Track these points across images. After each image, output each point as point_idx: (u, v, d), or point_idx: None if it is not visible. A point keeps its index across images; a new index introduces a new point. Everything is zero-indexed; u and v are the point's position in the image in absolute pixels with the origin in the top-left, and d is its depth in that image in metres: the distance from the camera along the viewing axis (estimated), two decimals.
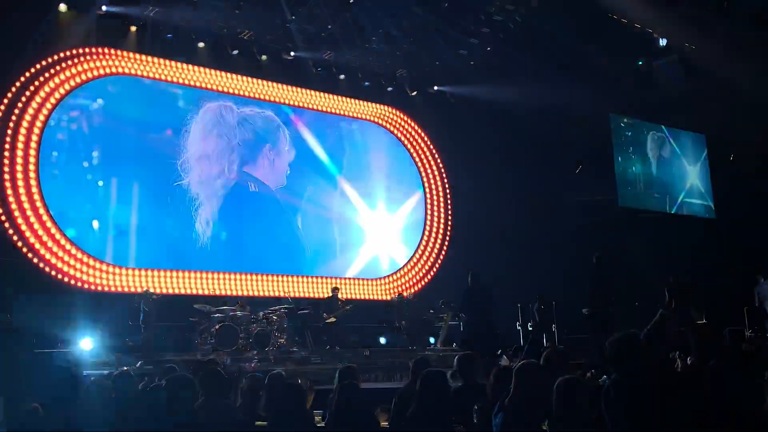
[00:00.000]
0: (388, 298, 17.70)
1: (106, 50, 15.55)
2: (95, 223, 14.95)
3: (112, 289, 14.64)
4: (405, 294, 17.26)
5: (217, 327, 13.54)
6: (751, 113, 17.81)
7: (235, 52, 17.23)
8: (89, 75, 15.20)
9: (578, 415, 3.69)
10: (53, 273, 14.04)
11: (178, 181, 15.88)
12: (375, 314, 17.10)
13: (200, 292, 15.46)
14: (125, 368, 8.68)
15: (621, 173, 20.65)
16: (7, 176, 13.87)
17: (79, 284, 14.28)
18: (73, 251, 14.35)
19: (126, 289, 14.70)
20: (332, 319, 14.65)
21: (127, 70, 15.80)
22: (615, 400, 3.47)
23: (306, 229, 17.73)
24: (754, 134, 18.11)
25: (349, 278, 18.03)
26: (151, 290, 14.06)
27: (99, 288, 14.49)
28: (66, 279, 14.16)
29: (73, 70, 14.98)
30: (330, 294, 15.49)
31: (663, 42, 17.43)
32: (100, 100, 15.41)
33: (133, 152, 15.58)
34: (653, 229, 19.38)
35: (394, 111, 19.83)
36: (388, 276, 18.67)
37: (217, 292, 15.45)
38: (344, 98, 19.04)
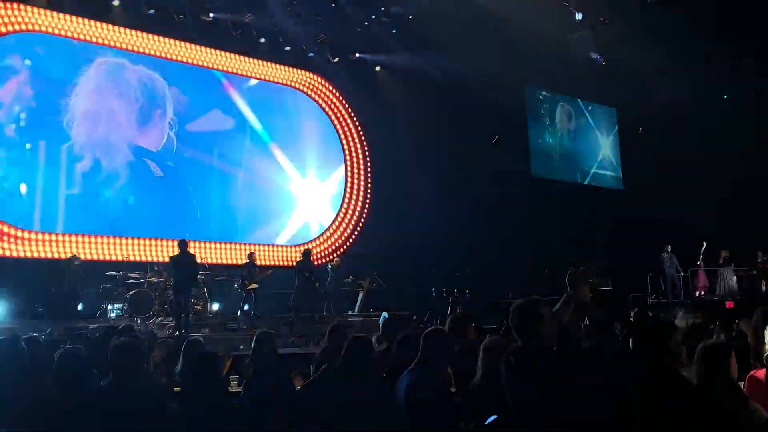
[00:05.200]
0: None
1: (15, 5, 14.85)
2: (23, 187, 14.53)
3: (21, 254, 14.20)
4: (334, 261, 17.22)
5: (130, 293, 13.36)
6: (661, 88, 18.51)
7: (152, 11, 16.67)
8: None
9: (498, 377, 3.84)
10: None
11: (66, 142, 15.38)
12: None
13: (116, 257, 15.15)
14: (34, 334, 8.49)
15: (535, 144, 21.22)
16: None
17: None
18: None
19: (37, 255, 14.32)
20: (254, 285, 14.57)
21: (37, 27, 15.14)
22: (516, 366, 3.61)
23: (237, 197, 17.74)
24: (664, 108, 18.88)
25: (277, 245, 18.02)
26: (78, 256, 13.76)
27: (8, 253, 14.03)
28: None
29: None
30: (247, 260, 15.34)
31: (579, 16, 17.78)
32: (27, 60, 14.93)
33: (57, 114, 15.21)
34: (564, 199, 20.00)
35: (314, 77, 19.67)
36: (310, 242, 18.64)
37: (134, 258, 15.17)
38: (265, 62, 18.76)
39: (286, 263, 17.68)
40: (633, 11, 17.58)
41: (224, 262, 16.80)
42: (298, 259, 15.26)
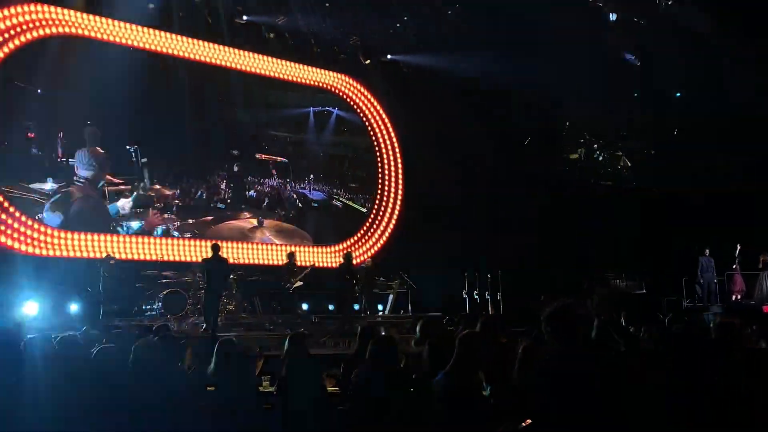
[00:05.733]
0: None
1: (50, 8, 15.10)
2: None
3: (57, 253, 14.41)
4: (366, 262, 17.20)
5: (164, 293, 13.52)
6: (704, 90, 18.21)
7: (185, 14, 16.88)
8: (34, 34, 14.76)
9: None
10: None
11: None
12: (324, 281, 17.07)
13: (151, 257, 15.33)
14: (71, 333, 8.61)
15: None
16: None
17: (23, 248, 14.01)
18: (17, 214, 14.05)
19: (73, 254, 14.53)
20: (299, 283, 14.71)
21: (74, 30, 15.38)
22: (551, 369, 3.57)
23: None
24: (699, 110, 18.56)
25: (302, 246, 18.10)
26: (113, 255, 13.94)
27: (44, 253, 14.24)
28: (9, 243, 13.87)
29: (18, 29, 14.52)
30: (287, 260, 15.37)
31: (613, 17, 17.59)
32: None
33: None
34: (598, 202, 19.78)
35: (346, 78, 19.73)
36: (340, 243, 18.72)
37: (166, 258, 15.35)
38: (297, 64, 18.85)
39: (320, 264, 17.75)
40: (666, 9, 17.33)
41: (258, 262, 16.95)
42: (340, 262, 15.24)
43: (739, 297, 17.23)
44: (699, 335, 3.80)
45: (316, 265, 17.40)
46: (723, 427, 3.43)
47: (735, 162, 18.65)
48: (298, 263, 15.53)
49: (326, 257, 18.27)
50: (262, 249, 17.34)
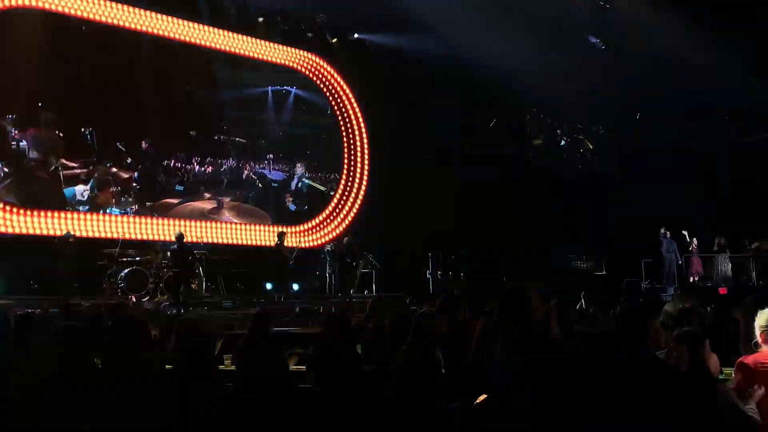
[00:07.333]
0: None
1: None
2: None
3: (15, 231, 14.15)
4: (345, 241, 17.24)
5: (126, 271, 13.41)
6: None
7: None
8: None
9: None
10: None
11: None
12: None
13: (113, 235, 15.11)
14: (29, 310, 8.52)
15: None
16: None
17: None
18: None
19: (32, 231, 14.28)
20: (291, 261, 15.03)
21: (32, 3, 14.98)
22: (506, 347, 3.64)
23: None
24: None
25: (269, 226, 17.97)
26: (72, 233, 13.73)
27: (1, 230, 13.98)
28: None
29: None
30: (277, 240, 15.35)
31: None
32: None
33: None
34: (561, 183, 19.95)
35: (312, 57, 19.55)
36: (305, 223, 18.67)
37: (131, 236, 15.19)
38: (262, 41, 18.62)
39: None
40: None
41: (222, 242, 16.90)
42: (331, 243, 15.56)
43: (696, 279, 17.58)
44: (648, 312, 3.88)
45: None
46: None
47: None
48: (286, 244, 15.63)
49: (295, 237, 18.11)
50: (225, 228, 17.20)
